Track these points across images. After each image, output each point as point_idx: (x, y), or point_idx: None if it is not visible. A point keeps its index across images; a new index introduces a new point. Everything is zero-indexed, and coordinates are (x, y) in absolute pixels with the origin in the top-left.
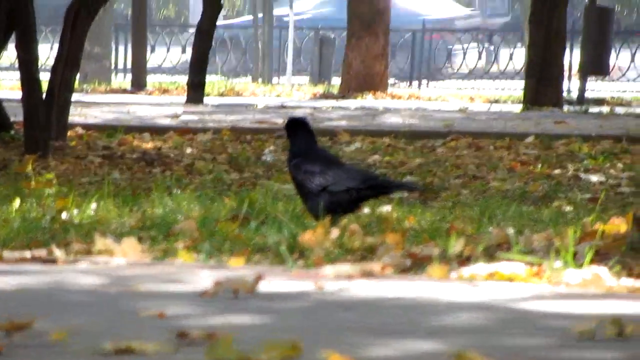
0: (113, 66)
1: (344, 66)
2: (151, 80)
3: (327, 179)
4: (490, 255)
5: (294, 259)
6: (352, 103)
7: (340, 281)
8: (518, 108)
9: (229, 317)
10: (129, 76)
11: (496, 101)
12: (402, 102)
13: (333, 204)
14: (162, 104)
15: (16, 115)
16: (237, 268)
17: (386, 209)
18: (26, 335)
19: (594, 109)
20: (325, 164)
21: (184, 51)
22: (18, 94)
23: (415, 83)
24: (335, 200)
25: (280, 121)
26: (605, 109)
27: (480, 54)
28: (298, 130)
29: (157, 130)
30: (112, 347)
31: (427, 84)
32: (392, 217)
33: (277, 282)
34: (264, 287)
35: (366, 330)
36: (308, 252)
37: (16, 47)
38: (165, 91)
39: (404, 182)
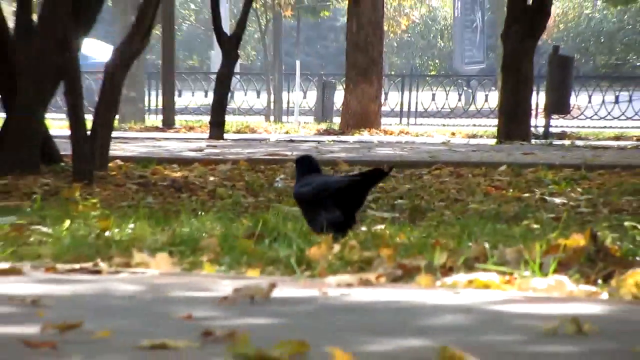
0: (146, 107)
1: (343, 107)
2: (179, 119)
3: (317, 186)
4: (469, 266)
5: (302, 270)
6: (350, 138)
7: (342, 289)
8: (492, 142)
9: (247, 319)
10: (160, 116)
11: (474, 136)
12: (393, 137)
13: (329, 209)
14: (188, 139)
15: (65, 149)
16: (253, 278)
17: (380, 227)
18: (76, 333)
19: (557, 142)
20: (315, 179)
21: (206, 95)
22: (65, 132)
23: (404, 120)
24: (330, 202)
25: (289, 153)
26: (566, 142)
27: (460, 95)
28: (303, 164)
29: (184, 162)
30: (149, 343)
31: (415, 121)
32: (386, 234)
33: (288, 289)
34: (277, 294)
35: (364, 330)
36: (314, 264)
37: (64, 93)
38: (191, 129)
39: (376, 168)
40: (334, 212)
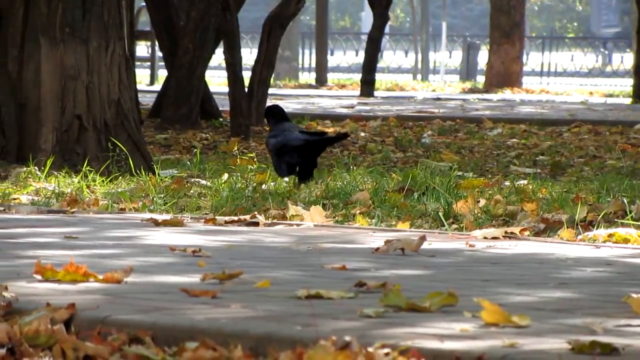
0: (300, 66)
1: (487, 67)
2: (331, 77)
3: (280, 141)
4: (608, 221)
5: (449, 223)
6: (493, 96)
7: (487, 241)
8: (628, 101)
9: (398, 270)
10: (313, 74)
11: (610, 95)
12: (534, 96)
13: (290, 161)
14: (340, 96)
15: (223, 106)
16: (403, 230)
17: (523, 182)
18: (235, 283)
19: None
20: (282, 132)
21: (357, 54)
22: (224, 89)
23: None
24: (291, 157)
25: (436, 111)
26: None
27: (597, 57)
28: (272, 114)
29: (336, 118)
30: (304, 293)
31: (555, 81)
32: (528, 189)
33: (436, 242)
34: (426, 246)
35: (509, 282)
36: (461, 217)
37: (224, 52)
38: (342, 86)
39: (337, 133)
40: (293, 161)
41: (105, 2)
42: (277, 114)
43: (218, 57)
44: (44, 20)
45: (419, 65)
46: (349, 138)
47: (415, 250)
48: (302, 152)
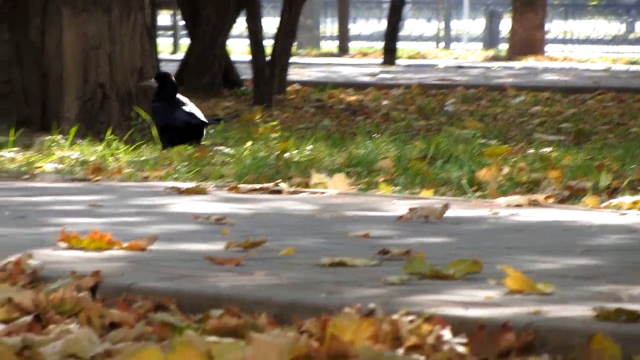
0: (321, 34)
1: (510, 34)
2: (352, 45)
3: (165, 119)
4: (633, 188)
5: (473, 191)
6: (516, 64)
7: (511, 209)
8: None
9: (422, 238)
10: (334, 43)
11: (634, 63)
12: (557, 63)
13: (171, 138)
14: (362, 65)
15: (245, 74)
16: (426, 198)
17: (547, 150)
18: (259, 251)
19: None
20: (168, 108)
21: (379, 22)
22: (246, 57)
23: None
24: (172, 135)
25: (458, 79)
26: None
27: (620, 24)
28: (164, 81)
29: (358, 86)
30: (328, 261)
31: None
32: (552, 157)
33: (460, 209)
34: (449, 213)
35: (533, 249)
36: (484, 185)
37: (246, 20)
38: (364, 55)
39: (213, 118)
40: (175, 137)
41: None
42: (166, 81)
43: (240, 25)
44: None
45: (441, 33)
46: (370, 107)
47: (439, 218)
48: (185, 130)
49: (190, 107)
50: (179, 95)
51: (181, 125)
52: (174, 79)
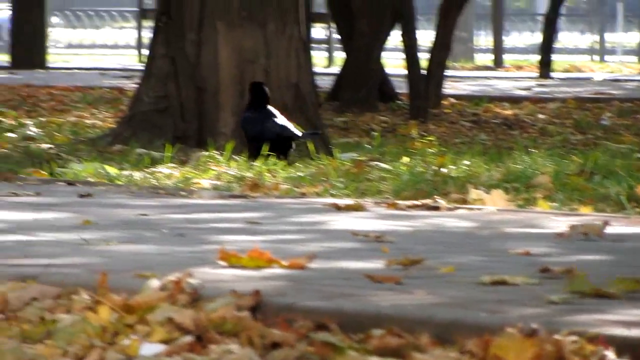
0: (475, 46)
1: None
2: (507, 58)
3: (257, 130)
4: None
5: (632, 206)
6: None
7: None
8: None
9: (581, 255)
10: (487, 55)
11: None
12: None
13: (261, 148)
14: (517, 78)
15: (400, 88)
16: (585, 214)
17: None
18: (419, 268)
19: None
20: (260, 118)
21: (532, 34)
22: (401, 71)
23: None
24: (262, 146)
25: (614, 92)
26: None
27: None
28: (257, 91)
29: (514, 100)
30: (489, 279)
31: None
32: None
33: (619, 226)
34: (609, 230)
35: None
36: None
37: (401, 34)
38: (519, 68)
39: (309, 132)
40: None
41: None
42: (258, 91)
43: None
44: (221, 4)
45: (595, 46)
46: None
47: (599, 235)
48: (277, 141)
49: (280, 119)
50: (269, 107)
51: (272, 137)
52: (266, 89)
